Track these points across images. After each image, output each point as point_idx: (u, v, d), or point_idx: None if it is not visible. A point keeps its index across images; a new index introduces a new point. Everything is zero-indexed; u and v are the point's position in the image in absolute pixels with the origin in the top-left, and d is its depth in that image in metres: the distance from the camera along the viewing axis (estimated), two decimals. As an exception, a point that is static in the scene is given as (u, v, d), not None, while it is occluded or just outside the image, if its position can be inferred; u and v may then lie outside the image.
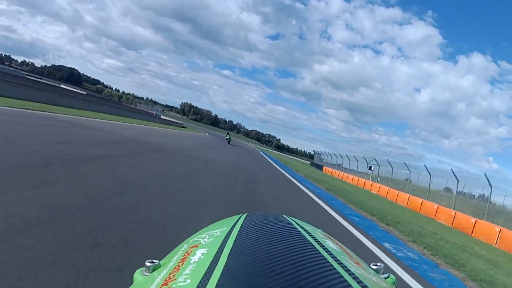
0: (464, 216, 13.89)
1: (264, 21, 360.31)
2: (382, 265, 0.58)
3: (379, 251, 4.33)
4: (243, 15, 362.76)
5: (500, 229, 11.68)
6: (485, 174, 14.41)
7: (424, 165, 18.39)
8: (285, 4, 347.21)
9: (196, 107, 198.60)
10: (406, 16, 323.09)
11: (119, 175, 4.61)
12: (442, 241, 6.74)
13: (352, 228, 5.44)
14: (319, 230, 0.63)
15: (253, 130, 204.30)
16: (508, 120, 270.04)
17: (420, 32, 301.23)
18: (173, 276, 0.44)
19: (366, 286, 0.40)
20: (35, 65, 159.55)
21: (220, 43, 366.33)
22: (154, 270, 0.54)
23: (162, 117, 47.15)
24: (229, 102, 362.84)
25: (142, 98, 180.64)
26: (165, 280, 0.44)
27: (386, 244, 4.84)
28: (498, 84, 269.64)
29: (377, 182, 21.91)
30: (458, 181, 16.37)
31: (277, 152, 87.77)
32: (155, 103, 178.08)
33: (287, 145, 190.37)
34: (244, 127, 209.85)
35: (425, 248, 5.17)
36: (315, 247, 0.50)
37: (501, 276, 4.74)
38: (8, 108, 9.14)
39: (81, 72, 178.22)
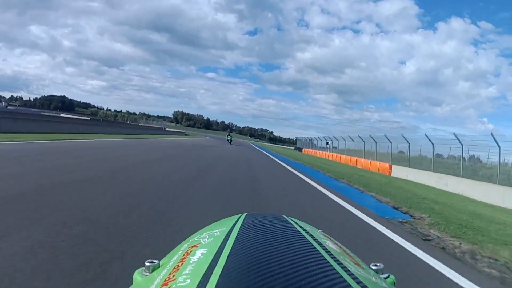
0: (367, 160, 23.50)
1: (240, 18, 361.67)
2: (382, 265, 0.59)
3: (282, 163, 13.89)
4: (218, 16, 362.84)
5: (379, 163, 21.35)
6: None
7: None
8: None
9: (188, 114, 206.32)
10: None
11: (214, 152, 14.92)
12: (322, 164, 16.29)
13: (280, 161, 15.02)
14: (319, 231, 0.64)
15: (245, 127, 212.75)
16: (496, 79, 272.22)
17: (396, 5, 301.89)
18: (173, 276, 0.45)
19: (365, 286, 0.41)
20: (24, 98, 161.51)
21: (200, 46, 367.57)
22: (153, 270, 0.56)
23: (168, 129, 56.02)
24: (218, 103, 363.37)
25: (135, 114, 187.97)
26: (165, 280, 0.45)
27: (288, 162, 14.41)
28: (481, 44, 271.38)
29: (331, 152, 31.80)
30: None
31: (268, 144, 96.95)
32: (148, 116, 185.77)
33: (280, 136, 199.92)
34: (236, 125, 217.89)
35: (309, 164, 14.81)
36: (315, 247, 0.51)
37: (335, 169, 14.28)
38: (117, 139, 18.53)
39: (69, 98, 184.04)
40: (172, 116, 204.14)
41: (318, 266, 0.44)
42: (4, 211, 2.85)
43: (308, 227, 0.65)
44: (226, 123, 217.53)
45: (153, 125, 57.26)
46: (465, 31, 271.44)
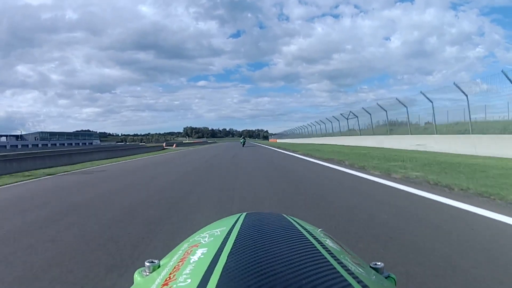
0: (276, 139, 74.56)
1: (222, 23, 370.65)
2: (382, 264, 0.59)
3: (258, 144, 66.16)
4: (199, 25, 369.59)
5: (276, 139, 73.10)
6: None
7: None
8: (235, 1, 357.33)
9: (196, 128, 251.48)
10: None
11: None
12: (257, 142, 68.08)
13: (255, 143, 66.87)
14: (319, 230, 0.64)
15: (244, 130, 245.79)
16: (481, 39, 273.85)
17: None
18: (173, 276, 0.46)
19: (366, 285, 0.42)
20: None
21: (187, 57, 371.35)
22: (153, 270, 0.57)
23: (208, 141, 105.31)
24: (214, 110, 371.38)
25: (150, 134, 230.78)
26: (165, 280, 0.46)
27: (259, 142, 66.44)
28: (460, 7, 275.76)
29: (275, 138, 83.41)
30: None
31: (260, 140, 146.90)
32: (163, 135, 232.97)
33: (272, 133, 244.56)
34: (236, 130, 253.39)
35: (253, 141, 67.49)
36: (315, 246, 0.52)
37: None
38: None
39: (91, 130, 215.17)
40: (183, 131, 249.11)
41: (318, 265, 0.45)
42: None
43: (308, 226, 0.65)
44: (227, 129, 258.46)
45: (197, 140, 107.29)
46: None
